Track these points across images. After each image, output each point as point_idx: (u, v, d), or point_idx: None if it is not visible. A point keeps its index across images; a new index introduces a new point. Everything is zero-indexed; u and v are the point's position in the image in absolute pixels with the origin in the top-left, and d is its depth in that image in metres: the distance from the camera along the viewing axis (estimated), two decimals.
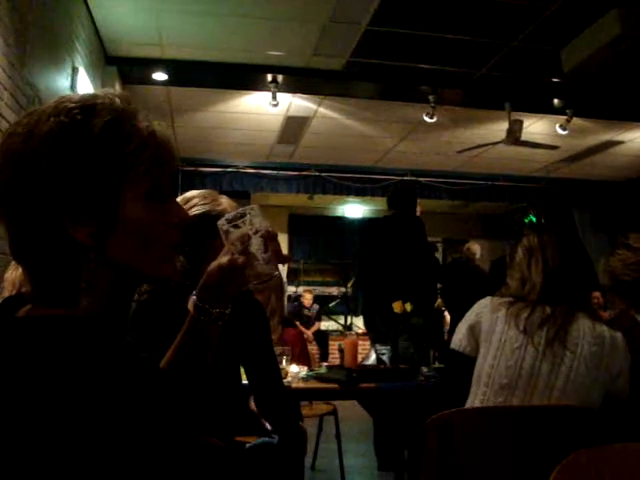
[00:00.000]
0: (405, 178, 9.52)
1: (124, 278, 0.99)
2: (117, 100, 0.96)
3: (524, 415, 2.03)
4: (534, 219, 11.53)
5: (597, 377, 2.07)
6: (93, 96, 0.96)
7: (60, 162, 0.90)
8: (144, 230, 0.98)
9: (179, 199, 2.04)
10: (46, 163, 0.89)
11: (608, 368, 2.09)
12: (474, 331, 2.21)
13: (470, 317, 2.26)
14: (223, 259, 1.22)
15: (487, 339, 2.16)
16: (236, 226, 1.24)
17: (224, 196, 2.13)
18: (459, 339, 2.26)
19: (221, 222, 1.25)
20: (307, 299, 10.92)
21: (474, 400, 2.16)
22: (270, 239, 1.22)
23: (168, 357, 1.24)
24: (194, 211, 2.01)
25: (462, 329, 2.26)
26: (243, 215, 1.24)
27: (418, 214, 5.16)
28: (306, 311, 10.75)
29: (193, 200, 2.06)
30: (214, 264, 1.23)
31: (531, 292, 2.21)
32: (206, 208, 2.03)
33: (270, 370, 2.17)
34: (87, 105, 0.93)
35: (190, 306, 1.24)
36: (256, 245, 1.21)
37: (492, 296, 2.29)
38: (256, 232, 1.22)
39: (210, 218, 1.90)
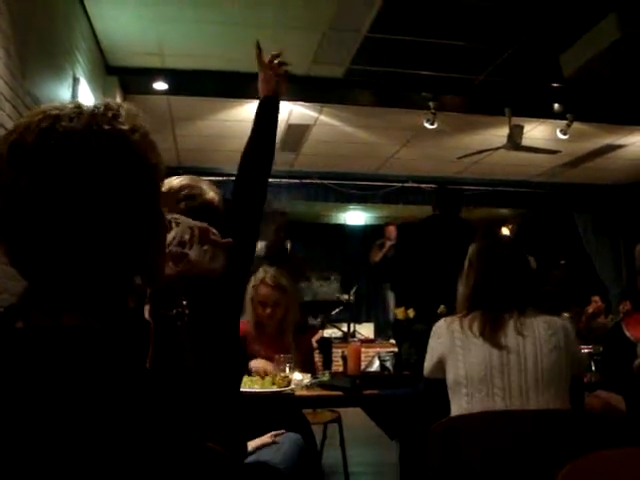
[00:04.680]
0: (406, 185, 9.52)
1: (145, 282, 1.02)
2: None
3: (527, 419, 2.03)
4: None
5: (560, 357, 2.21)
6: (118, 103, 0.98)
7: (132, 159, 0.92)
8: (165, 235, 1.04)
9: (175, 183, 2.04)
10: (116, 160, 0.91)
11: (567, 349, 2.24)
12: (442, 359, 2.35)
13: (435, 346, 2.41)
14: None
15: (453, 351, 2.30)
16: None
17: (203, 180, 2.14)
18: (431, 370, 2.42)
19: None
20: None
21: (460, 402, 2.22)
22: (202, 234, 1.25)
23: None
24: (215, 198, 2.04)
25: (432, 358, 2.41)
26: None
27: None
28: (311, 320, 10.65)
29: (206, 188, 2.07)
30: None
31: (468, 300, 2.40)
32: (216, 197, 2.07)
33: None
34: (130, 113, 0.96)
35: (147, 316, 1.24)
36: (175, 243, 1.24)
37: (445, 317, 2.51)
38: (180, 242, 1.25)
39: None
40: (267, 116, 2.37)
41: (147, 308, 1.24)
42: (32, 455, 0.75)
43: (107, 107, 0.95)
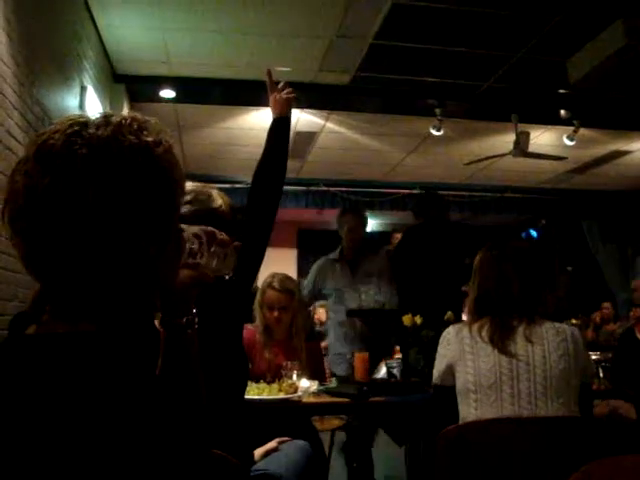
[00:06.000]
0: (414, 191, 9.51)
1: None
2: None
3: (536, 426, 2.02)
4: (534, 233, 11.48)
5: (569, 365, 2.20)
6: (145, 118, 1.00)
7: (146, 175, 0.93)
8: (180, 249, 1.05)
9: (196, 188, 2.07)
10: (132, 175, 0.92)
11: (576, 357, 2.23)
12: (451, 365, 2.36)
13: (444, 353, 2.42)
14: None
15: (462, 357, 2.31)
16: None
17: (213, 188, 2.19)
18: (440, 377, 2.42)
19: None
20: (322, 314, 10.70)
21: (469, 409, 2.21)
22: (209, 238, 1.24)
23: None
24: (222, 205, 2.08)
25: (441, 365, 2.41)
26: None
27: None
28: (318, 327, 10.56)
29: (215, 195, 2.12)
30: None
31: (474, 307, 2.41)
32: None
33: None
34: (156, 127, 0.99)
35: (157, 325, 1.23)
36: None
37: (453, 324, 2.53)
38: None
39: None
40: (279, 135, 2.60)
41: (157, 316, 1.24)
42: (39, 464, 0.76)
43: (134, 119, 0.97)
